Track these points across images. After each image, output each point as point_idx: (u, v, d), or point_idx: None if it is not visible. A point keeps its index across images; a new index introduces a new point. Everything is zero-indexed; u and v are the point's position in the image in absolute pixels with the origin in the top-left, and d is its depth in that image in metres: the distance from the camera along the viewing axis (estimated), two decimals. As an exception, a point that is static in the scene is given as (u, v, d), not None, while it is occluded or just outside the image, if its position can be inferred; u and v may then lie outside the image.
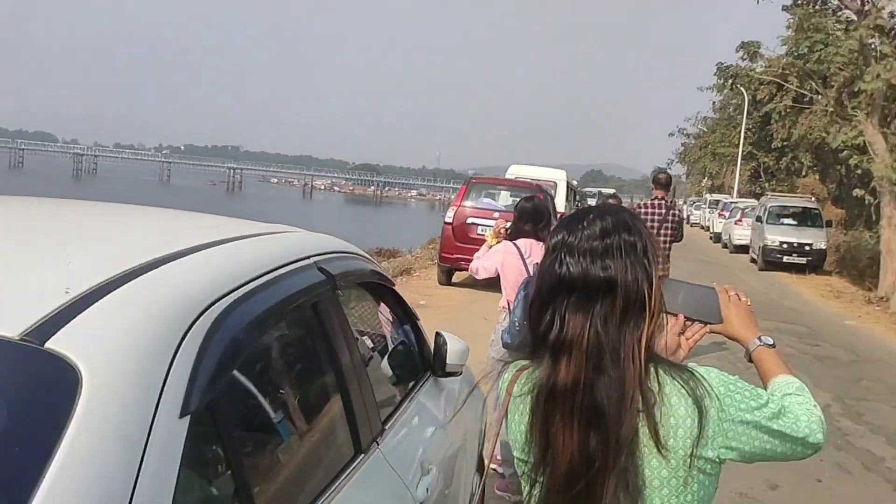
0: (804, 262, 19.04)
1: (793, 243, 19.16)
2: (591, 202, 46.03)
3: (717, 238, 29.78)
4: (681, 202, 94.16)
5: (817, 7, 17.18)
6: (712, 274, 18.01)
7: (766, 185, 38.81)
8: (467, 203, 11.51)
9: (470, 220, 11.36)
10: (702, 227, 39.93)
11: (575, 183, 35.16)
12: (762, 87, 33.41)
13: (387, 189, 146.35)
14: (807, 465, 5.00)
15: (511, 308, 3.99)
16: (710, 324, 1.65)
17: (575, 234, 1.31)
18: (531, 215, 4.25)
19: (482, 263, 4.36)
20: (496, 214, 11.35)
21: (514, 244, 4.15)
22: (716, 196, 40.87)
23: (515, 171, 18.78)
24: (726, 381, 1.31)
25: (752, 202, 27.38)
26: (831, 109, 17.22)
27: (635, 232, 1.31)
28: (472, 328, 8.79)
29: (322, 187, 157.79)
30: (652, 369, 1.27)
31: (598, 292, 1.26)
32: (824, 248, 19.35)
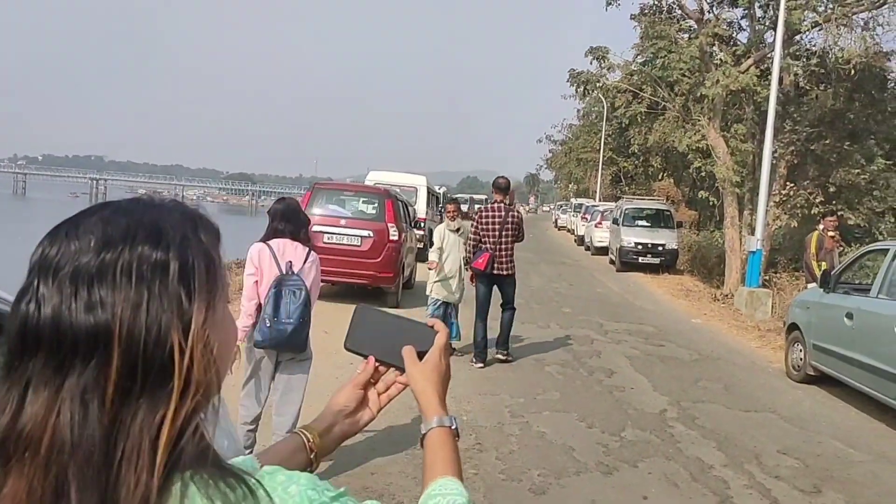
0: (658, 262, 19.67)
1: (647, 244, 19.76)
2: (464, 208, 46.82)
3: (580, 241, 30.54)
4: (522, 206, 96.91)
5: (661, 16, 17.79)
6: (572, 275, 18.25)
7: (627, 188, 40.47)
8: (313, 210, 10.88)
9: (316, 228, 10.71)
10: (568, 231, 41.02)
11: (442, 189, 35.26)
12: (619, 94, 34.93)
13: (262, 198, 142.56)
14: (632, 479, 4.84)
15: (263, 305, 4.08)
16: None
17: (59, 246, 0.75)
18: (283, 215, 4.23)
19: (244, 308, 4.21)
20: (343, 221, 10.83)
21: (268, 244, 4.17)
22: (580, 200, 42.14)
23: (374, 177, 18.32)
24: (320, 497, 0.78)
25: (612, 205, 28.24)
26: (677, 115, 17.86)
27: (169, 243, 0.75)
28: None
29: (194, 197, 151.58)
30: (177, 485, 0.71)
31: (81, 349, 0.71)
32: (676, 248, 20.10)
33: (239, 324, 3.99)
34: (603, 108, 38.55)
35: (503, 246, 7.66)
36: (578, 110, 51.59)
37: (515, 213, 7.87)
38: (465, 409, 6.15)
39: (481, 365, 7.71)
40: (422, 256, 18.05)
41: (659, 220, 21.05)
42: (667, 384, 7.50)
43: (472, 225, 7.92)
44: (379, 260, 10.70)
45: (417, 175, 19.07)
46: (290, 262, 4.11)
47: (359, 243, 10.74)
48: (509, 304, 8.00)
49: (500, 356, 7.96)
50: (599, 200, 37.71)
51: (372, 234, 10.73)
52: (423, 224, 18.20)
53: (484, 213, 7.81)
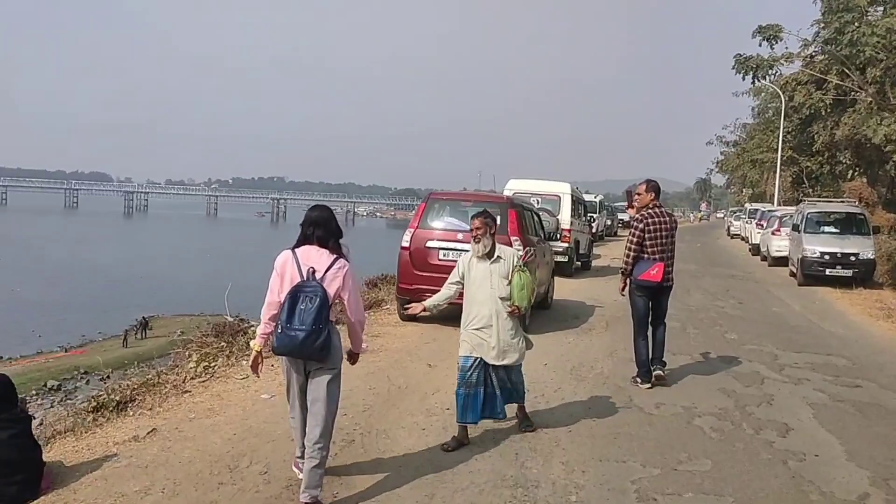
0: (849, 274, 16.71)
1: (836, 254, 16.86)
2: (625, 217, 44.17)
3: (755, 250, 27.32)
4: (693, 213, 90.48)
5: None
6: (742, 291, 15.85)
7: (811, 191, 36.22)
8: (428, 223, 9.73)
9: (430, 244, 9.57)
10: (742, 239, 37.34)
11: (598, 198, 33.17)
12: (799, 87, 31.18)
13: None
14: None
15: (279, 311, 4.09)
16: None
17: None
18: (313, 221, 4.27)
19: (263, 315, 4.23)
20: (460, 236, 9.57)
21: (294, 251, 4.21)
22: (755, 205, 38.25)
23: (514, 186, 16.98)
24: None
25: (791, 210, 24.96)
26: (870, 102, 15.00)
27: None
28: (407, 379, 7.10)
29: (364, 213, 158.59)
30: None
31: None
32: (872, 257, 16.98)
33: (259, 330, 4.29)
34: (780, 102, 34.70)
35: (670, 253, 7.20)
36: (753, 108, 47.47)
37: (675, 218, 7.41)
38: (577, 482, 4.64)
39: (648, 385, 7.08)
40: (566, 271, 16.55)
41: (850, 225, 17.96)
42: (868, 448, 5.52)
43: (633, 231, 7.18)
44: (502, 278, 9.31)
45: (561, 182, 17.45)
46: (312, 268, 4.11)
47: (479, 259, 9.42)
48: (663, 319, 7.48)
49: (660, 372, 7.25)
50: (778, 204, 34.03)
51: (493, 249, 9.37)
52: (568, 235, 16.63)
53: (649, 220, 7.10)
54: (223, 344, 8.55)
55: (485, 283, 5.34)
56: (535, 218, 11.29)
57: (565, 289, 14.17)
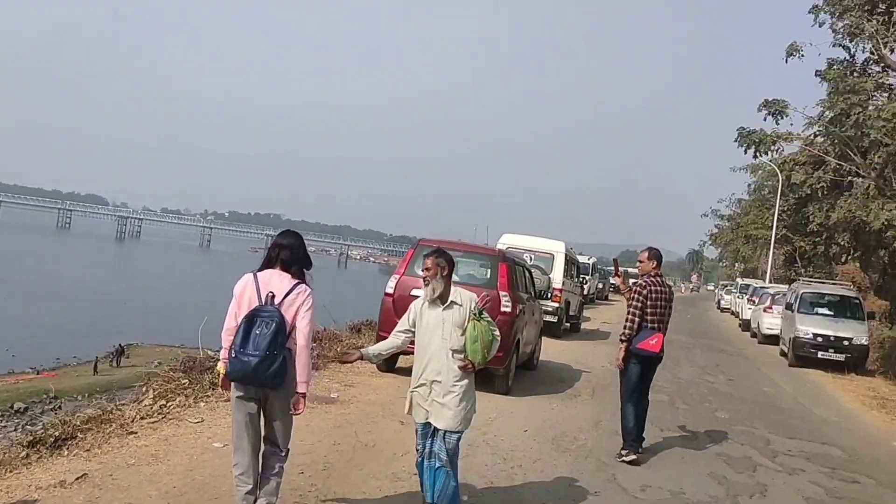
0: (842, 358, 16.31)
1: (829, 336, 16.49)
2: (616, 281, 43.84)
3: (745, 326, 27.00)
4: (683, 283, 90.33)
5: (854, 72, 15.06)
6: (733, 367, 15.42)
7: (803, 270, 36.11)
8: (414, 271, 9.32)
9: (415, 292, 9.10)
10: (732, 313, 37.06)
11: (592, 260, 32.89)
12: (797, 167, 31.31)
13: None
14: None
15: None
16: None
17: None
18: (278, 244, 4.18)
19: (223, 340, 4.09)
20: (447, 286, 9.15)
21: (255, 275, 4.09)
22: (746, 280, 38.12)
23: (508, 241, 16.66)
24: None
25: (784, 288, 24.71)
26: (872, 185, 14.84)
27: None
28: (376, 436, 6.51)
29: (358, 257, 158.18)
30: None
31: None
32: (866, 343, 16.62)
33: (221, 355, 4.14)
34: (777, 181, 34.86)
35: (667, 324, 6.99)
36: (749, 185, 47.78)
37: (672, 289, 7.26)
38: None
39: (634, 457, 6.64)
40: (554, 332, 16.09)
41: (844, 308, 17.64)
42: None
43: (636, 297, 6.84)
44: (487, 335, 8.87)
45: (555, 241, 17.13)
46: (272, 293, 3.98)
47: (464, 313, 8.99)
48: (647, 392, 7.26)
49: (635, 457, 6.75)
50: (770, 282, 33.87)
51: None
52: (559, 295, 16.24)
53: (652, 287, 6.86)
54: (186, 381, 8.02)
55: (436, 332, 4.48)
56: (527, 274, 10.90)
57: (552, 350, 13.71)
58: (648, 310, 6.79)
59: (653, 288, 6.83)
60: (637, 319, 6.79)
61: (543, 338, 12.94)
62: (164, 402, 7.17)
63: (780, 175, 33.56)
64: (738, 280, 41.22)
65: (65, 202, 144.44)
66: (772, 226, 36.18)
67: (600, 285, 35.70)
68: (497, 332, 4.61)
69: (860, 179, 24.34)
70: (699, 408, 9.97)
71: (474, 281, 9.44)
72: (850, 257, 31.89)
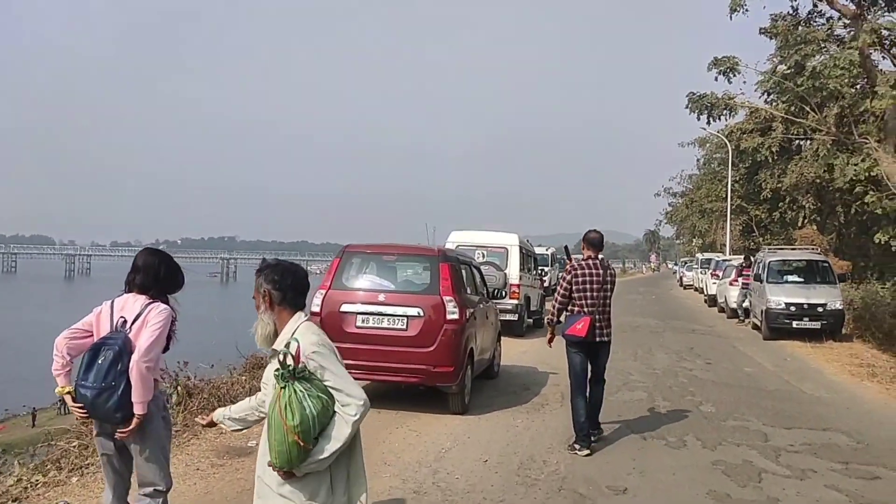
0: (818, 326, 15.49)
1: (802, 304, 15.64)
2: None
3: (712, 301, 26.27)
4: (644, 265, 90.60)
5: (800, 23, 14.22)
6: (708, 347, 14.45)
7: (761, 239, 35.76)
8: (343, 282, 8.03)
9: (346, 308, 7.84)
10: (696, 290, 36.49)
11: (550, 250, 31.91)
12: (745, 135, 30.82)
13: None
14: None
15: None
16: None
17: None
18: (135, 266, 3.76)
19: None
20: (382, 297, 7.89)
21: (112, 301, 3.70)
22: (707, 255, 37.59)
23: (457, 238, 15.46)
24: None
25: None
26: (833, 139, 13.99)
27: None
28: None
29: (318, 272, 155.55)
30: None
31: None
32: (841, 307, 15.82)
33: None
34: (725, 152, 34.42)
35: (603, 308, 6.81)
36: (698, 159, 47.48)
37: (613, 271, 7.04)
38: None
39: (587, 452, 6.46)
40: (516, 331, 14.94)
41: (814, 273, 16.84)
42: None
43: (560, 282, 6.95)
44: (432, 348, 7.63)
45: (507, 233, 15.98)
46: (123, 318, 3.61)
47: (404, 326, 7.73)
48: (601, 378, 7.04)
49: (591, 438, 6.71)
50: (730, 254, 33.36)
51: (421, 313, 7.71)
52: (517, 291, 15.09)
53: (578, 271, 6.81)
54: (76, 442, 6.62)
55: (269, 397, 2.92)
56: (476, 273, 9.67)
57: (514, 351, 12.57)
58: (575, 294, 6.75)
59: (579, 272, 6.77)
60: (557, 304, 6.87)
61: (505, 338, 11.80)
62: (41, 475, 5.78)
63: (728, 145, 33.13)
64: (699, 255, 40.73)
65: (8, 246, 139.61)
66: (726, 197, 35.73)
67: (560, 274, 34.76)
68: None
69: (808, 142, 23.80)
70: (682, 402, 8.85)
71: (413, 288, 8.20)
72: (806, 220, 31.51)
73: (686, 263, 46.41)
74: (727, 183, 35.27)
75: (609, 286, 6.86)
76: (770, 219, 34.34)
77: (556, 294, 6.95)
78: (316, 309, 7.91)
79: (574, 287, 6.75)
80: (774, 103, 14.22)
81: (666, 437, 7.11)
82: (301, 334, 2.85)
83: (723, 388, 9.98)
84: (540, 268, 20.21)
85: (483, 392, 9.03)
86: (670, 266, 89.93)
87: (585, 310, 6.69)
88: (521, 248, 15.80)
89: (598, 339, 6.74)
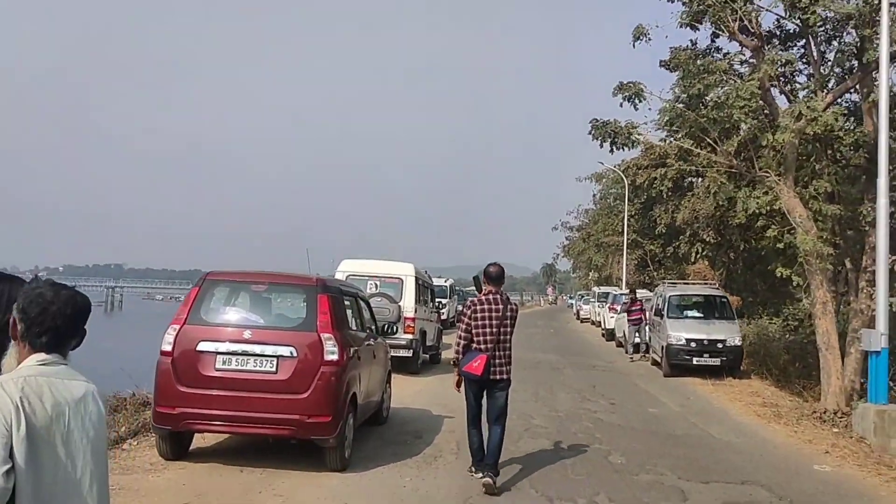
0: (717, 363, 15.24)
1: (702, 340, 15.36)
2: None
3: (609, 335, 26.08)
4: (542, 297, 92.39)
5: (698, 55, 14.06)
6: (609, 386, 13.82)
7: (655, 273, 36.35)
8: (201, 315, 6.74)
9: (203, 347, 6.54)
10: (592, 323, 36.57)
11: (448, 282, 31.12)
12: (640, 170, 31.31)
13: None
14: None
15: None
16: None
17: None
18: None
19: None
20: (247, 334, 6.64)
21: None
22: (604, 288, 37.87)
23: (348, 267, 14.30)
24: None
25: (646, 293, 23.98)
26: (732, 172, 13.80)
27: None
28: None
29: (160, 298, 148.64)
30: None
31: None
32: (739, 343, 15.65)
33: None
34: (621, 187, 34.95)
35: (502, 345, 6.54)
36: (594, 194, 48.23)
37: (514, 306, 6.76)
38: None
39: (481, 475, 6.39)
40: (411, 368, 13.86)
41: (713, 309, 16.69)
42: None
43: (461, 318, 6.71)
44: (307, 395, 6.44)
45: (403, 263, 14.96)
46: None
47: (273, 368, 6.51)
48: (501, 417, 6.63)
49: (488, 479, 6.30)
50: (626, 288, 33.66)
51: (294, 353, 6.52)
52: (412, 324, 14.03)
53: (478, 307, 6.56)
54: None
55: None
56: (363, 306, 8.54)
57: (408, 391, 11.49)
58: (474, 331, 6.48)
59: (479, 307, 6.53)
60: (462, 342, 6.55)
61: (398, 376, 10.73)
62: None
63: (625, 180, 33.63)
64: (595, 289, 41.06)
65: None
66: (622, 231, 36.21)
67: (459, 307, 34.01)
68: None
69: (700, 179, 24.12)
70: (590, 455, 7.96)
71: (286, 323, 7.01)
72: (699, 256, 32.23)
73: (583, 297, 46.74)
74: (623, 217, 35.77)
75: (509, 321, 6.58)
76: (664, 253, 34.96)
77: (458, 331, 6.67)
78: (167, 347, 6.58)
79: (474, 323, 6.47)
80: (676, 133, 13.92)
81: (575, 500, 6.16)
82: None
83: (630, 434, 9.22)
84: (438, 300, 19.29)
85: (368, 442, 7.88)
86: (566, 299, 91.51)
87: (482, 346, 6.42)
88: (417, 278, 14.80)
89: (493, 377, 6.45)
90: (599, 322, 31.99)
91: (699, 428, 10.02)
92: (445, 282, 30.26)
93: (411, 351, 13.91)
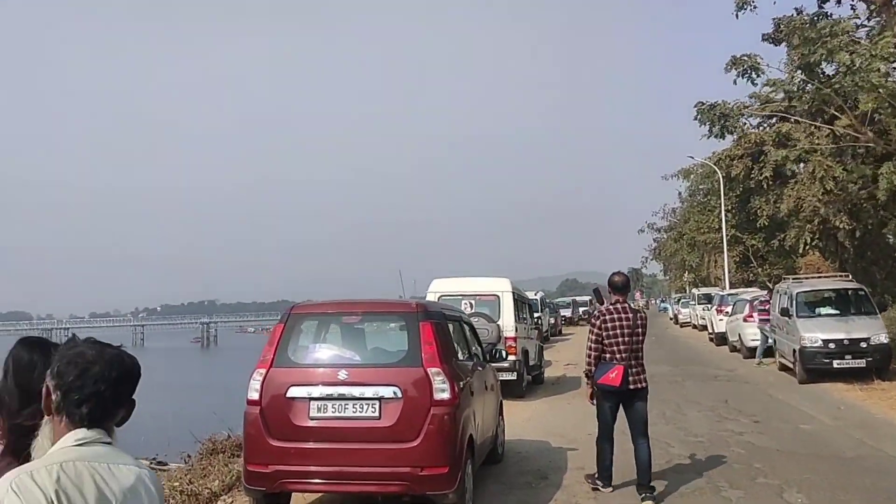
0: (863, 364, 13.41)
1: (842, 340, 13.57)
2: (566, 313, 40.98)
3: (720, 340, 24.13)
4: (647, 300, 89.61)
5: (809, 20, 12.49)
6: (743, 399, 12.27)
7: (759, 270, 34.07)
8: (288, 357, 5.82)
9: (295, 393, 5.60)
10: (694, 327, 34.43)
11: (539, 294, 29.83)
12: (734, 161, 29.32)
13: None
14: None
15: None
16: None
17: None
18: None
19: None
20: (342, 374, 5.67)
21: None
22: (704, 290, 35.72)
23: (439, 287, 13.30)
24: None
25: (758, 292, 22.08)
26: (858, 148, 12.11)
27: None
28: None
29: (252, 331, 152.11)
30: None
31: None
32: (886, 341, 13.75)
33: None
34: (717, 181, 32.82)
35: (635, 354, 6.47)
36: (680, 192, 45.92)
37: (643, 314, 6.69)
38: None
39: (611, 489, 6.44)
40: (516, 391, 12.71)
41: (848, 304, 14.85)
42: None
43: (591, 329, 6.61)
44: (417, 442, 5.40)
45: (498, 278, 13.85)
46: None
47: (376, 413, 5.50)
48: (644, 431, 6.47)
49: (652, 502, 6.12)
50: (729, 287, 31.53)
51: (398, 393, 5.49)
52: (513, 344, 12.89)
53: (607, 317, 6.49)
54: None
55: None
56: (468, 330, 7.46)
57: (518, 418, 10.38)
58: (606, 341, 6.46)
59: (608, 317, 6.50)
60: (593, 353, 6.51)
61: (503, 401, 9.61)
62: None
63: (718, 172, 31.61)
64: (695, 291, 38.87)
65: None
66: (719, 227, 34.07)
67: (552, 320, 32.62)
68: None
69: (802, 165, 22.07)
70: (759, 492, 6.60)
71: (386, 358, 6.01)
72: (807, 247, 29.85)
73: (681, 300, 44.37)
74: (719, 213, 33.66)
75: (641, 330, 6.55)
76: (768, 247, 32.64)
77: (588, 342, 6.60)
78: (254, 396, 5.67)
79: (604, 334, 6.45)
80: (793, 108, 12.37)
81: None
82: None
83: (794, 461, 7.76)
84: (537, 315, 18.07)
85: (486, 487, 6.79)
86: (657, 303, 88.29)
87: (618, 357, 6.39)
88: (514, 293, 13.66)
89: (632, 387, 6.40)
90: (704, 326, 29.95)
91: (869, 446, 8.46)
92: (535, 294, 28.97)
93: (515, 373, 12.77)
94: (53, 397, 1.76)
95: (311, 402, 5.60)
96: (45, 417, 1.82)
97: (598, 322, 6.54)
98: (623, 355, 6.39)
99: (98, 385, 1.74)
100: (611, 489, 6.56)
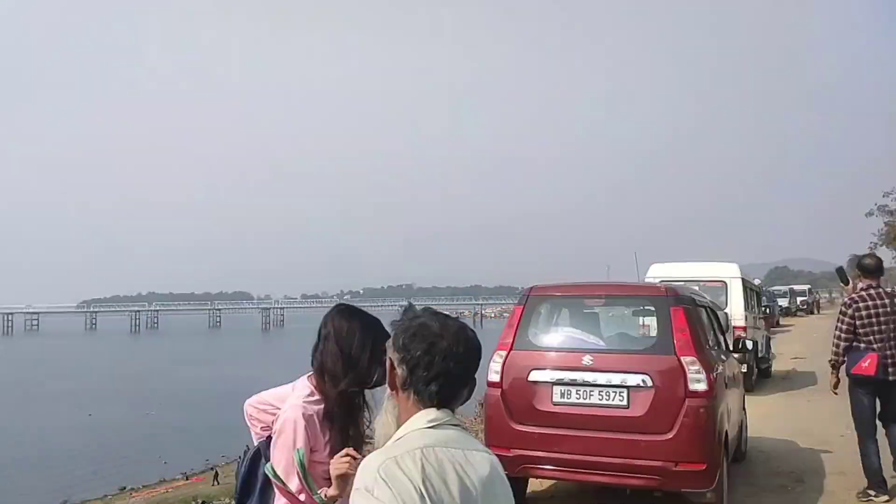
0: None
1: None
2: (783, 302, 37.80)
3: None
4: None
5: None
6: None
7: None
8: (528, 337, 5.67)
9: (535, 376, 5.46)
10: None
11: (756, 281, 27.71)
12: None
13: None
14: None
15: None
16: None
17: None
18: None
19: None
20: (587, 360, 5.42)
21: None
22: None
23: (658, 272, 12.65)
24: None
25: None
26: None
27: None
28: None
29: (493, 315, 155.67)
30: None
31: None
32: None
33: None
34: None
35: (892, 342, 5.95)
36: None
37: None
38: None
39: (886, 498, 5.84)
40: (746, 385, 11.71)
41: None
42: None
43: (841, 317, 6.14)
44: (671, 435, 5.03)
45: (724, 263, 12.92)
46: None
47: (623, 402, 5.20)
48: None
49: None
50: None
51: (649, 382, 5.15)
52: (743, 334, 11.96)
53: (860, 303, 6.04)
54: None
55: None
56: (713, 318, 6.90)
57: (755, 414, 9.54)
58: (860, 329, 6.03)
59: (861, 304, 6.07)
60: (841, 343, 6.12)
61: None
62: None
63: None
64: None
65: (213, 302, 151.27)
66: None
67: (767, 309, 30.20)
68: None
69: None
70: None
71: (634, 345, 5.70)
72: None
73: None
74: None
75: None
76: None
77: (837, 331, 6.19)
78: (495, 378, 5.60)
79: (860, 321, 6.04)
80: None
81: None
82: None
83: None
84: (766, 304, 16.74)
85: (735, 488, 6.23)
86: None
87: (874, 346, 5.97)
88: (743, 280, 12.67)
89: (892, 378, 5.94)
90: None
91: None
92: (755, 280, 26.93)
93: (745, 365, 11.84)
94: (398, 371, 1.65)
95: (554, 387, 5.41)
96: (389, 392, 1.72)
97: (849, 310, 6.09)
98: (880, 344, 5.94)
99: (447, 362, 1.62)
100: (886, 497, 5.84)
